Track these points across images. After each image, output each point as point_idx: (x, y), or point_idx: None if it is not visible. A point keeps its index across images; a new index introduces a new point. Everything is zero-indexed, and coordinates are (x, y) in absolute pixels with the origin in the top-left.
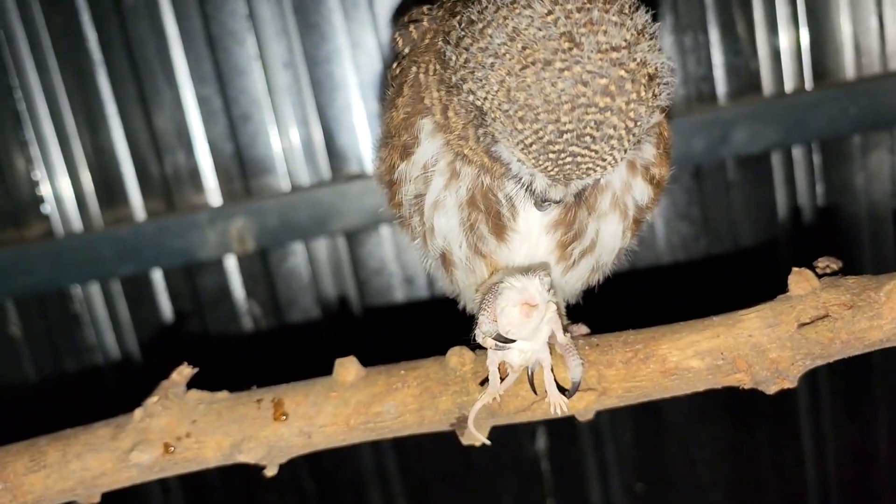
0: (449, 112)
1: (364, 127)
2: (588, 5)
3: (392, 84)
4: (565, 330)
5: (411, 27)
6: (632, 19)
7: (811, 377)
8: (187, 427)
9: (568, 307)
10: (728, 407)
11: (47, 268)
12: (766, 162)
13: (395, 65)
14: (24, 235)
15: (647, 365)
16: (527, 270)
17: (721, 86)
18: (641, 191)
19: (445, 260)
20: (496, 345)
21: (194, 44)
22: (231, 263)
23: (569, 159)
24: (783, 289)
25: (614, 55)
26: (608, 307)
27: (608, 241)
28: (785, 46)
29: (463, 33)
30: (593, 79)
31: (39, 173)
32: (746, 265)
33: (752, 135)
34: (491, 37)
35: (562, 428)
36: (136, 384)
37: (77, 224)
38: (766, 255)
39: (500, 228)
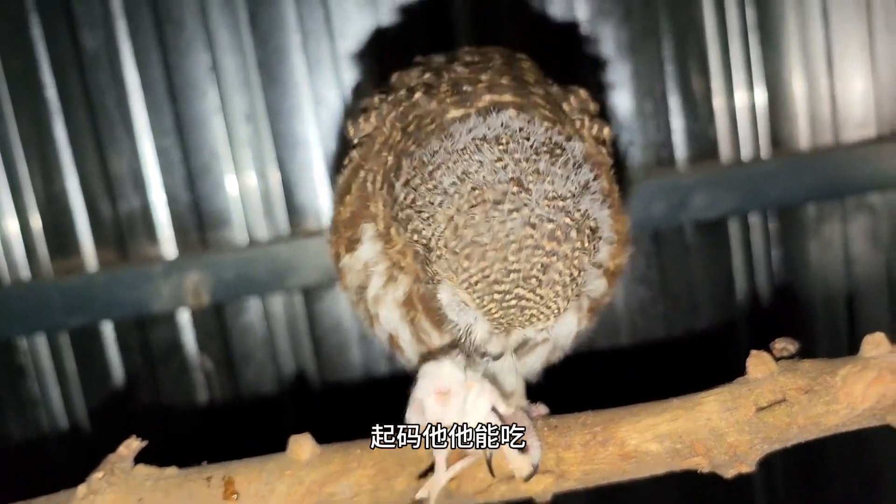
0: (391, 229)
1: (324, 183)
2: (535, 157)
3: (342, 171)
4: (523, 410)
5: (361, 119)
6: (576, 174)
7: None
8: None
9: (528, 387)
10: (681, 485)
11: None
12: (723, 227)
13: (347, 150)
14: None
15: (605, 448)
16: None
17: (680, 151)
18: (595, 285)
19: (394, 342)
20: None
21: (155, 94)
22: (185, 317)
23: (514, 302)
24: (740, 354)
25: (561, 203)
26: (567, 371)
27: (563, 328)
28: (742, 115)
29: (413, 173)
30: (541, 222)
31: None
32: (704, 328)
33: (711, 201)
34: (440, 178)
35: None
36: (81, 440)
37: (25, 272)
38: (722, 317)
39: (441, 323)
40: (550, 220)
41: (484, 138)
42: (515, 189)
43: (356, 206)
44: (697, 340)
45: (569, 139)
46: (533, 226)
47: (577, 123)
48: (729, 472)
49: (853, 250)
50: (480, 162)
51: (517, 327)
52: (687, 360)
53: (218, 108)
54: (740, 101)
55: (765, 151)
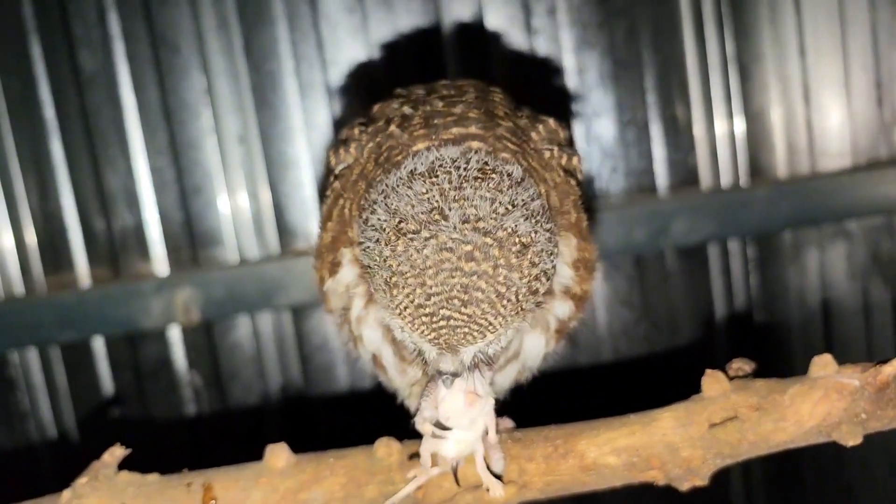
0: None
1: (314, 204)
2: (464, 184)
3: (325, 200)
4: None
5: (341, 149)
6: (504, 194)
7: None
8: None
9: (497, 402)
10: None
11: None
12: (703, 253)
13: (330, 179)
14: None
15: (566, 460)
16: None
17: (661, 179)
18: (562, 308)
19: (377, 362)
20: (434, 432)
21: (150, 115)
22: (175, 334)
23: (442, 322)
24: None
25: (480, 224)
26: (552, 387)
27: (532, 349)
28: (721, 144)
29: (368, 213)
30: (458, 245)
31: None
32: (684, 350)
33: (691, 227)
34: (378, 215)
35: None
36: (70, 453)
37: (19, 287)
38: (702, 340)
39: None
40: (466, 243)
41: (419, 172)
42: (436, 217)
43: (336, 231)
44: (677, 363)
45: (507, 163)
46: (449, 249)
47: (546, 154)
48: (684, 486)
49: (829, 276)
50: (409, 195)
51: (459, 346)
52: (667, 381)
53: (212, 130)
54: (720, 130)
55: (744, 180)
